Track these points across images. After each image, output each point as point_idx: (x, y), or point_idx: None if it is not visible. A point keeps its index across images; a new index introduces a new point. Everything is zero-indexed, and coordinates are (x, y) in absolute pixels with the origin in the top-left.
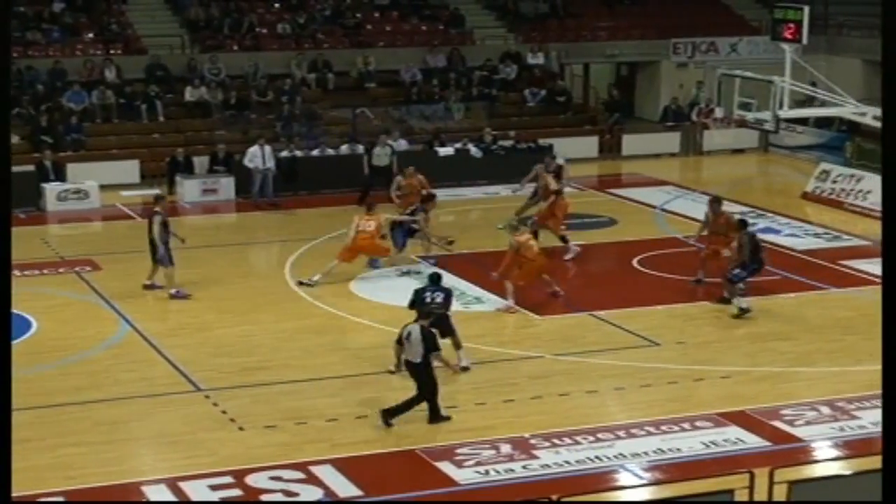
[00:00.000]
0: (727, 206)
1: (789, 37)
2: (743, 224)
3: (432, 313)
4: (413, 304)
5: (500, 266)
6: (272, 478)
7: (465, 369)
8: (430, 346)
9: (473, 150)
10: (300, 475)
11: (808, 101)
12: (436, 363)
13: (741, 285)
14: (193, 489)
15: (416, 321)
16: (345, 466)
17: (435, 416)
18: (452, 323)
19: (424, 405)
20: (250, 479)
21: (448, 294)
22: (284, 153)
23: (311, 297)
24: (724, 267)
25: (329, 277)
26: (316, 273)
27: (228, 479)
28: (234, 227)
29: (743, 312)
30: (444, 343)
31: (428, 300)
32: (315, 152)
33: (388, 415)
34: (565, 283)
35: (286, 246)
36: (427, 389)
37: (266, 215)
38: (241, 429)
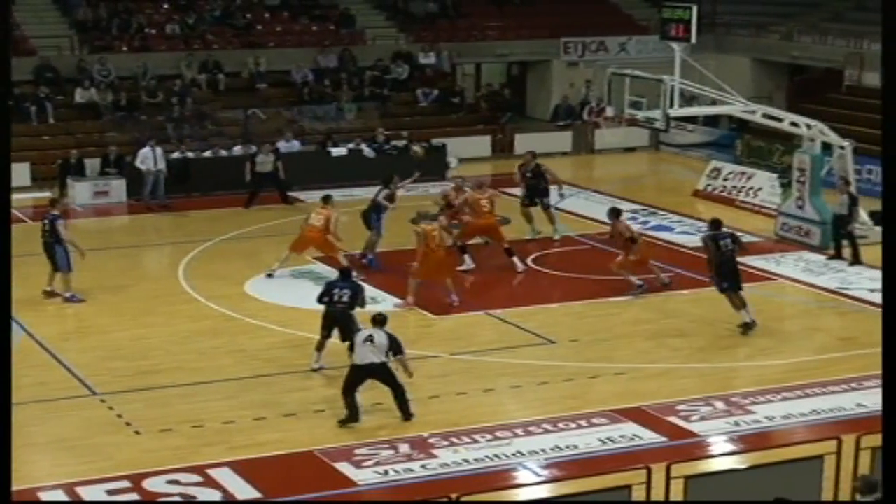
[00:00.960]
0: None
1: (678, 36)
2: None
3: (336, 310)
4: (321, 298)
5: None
6: (169, 482)
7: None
8: (397, 350)
9: (366, 151)
10: (198, 478)
11: (695, 100)
12: (397, 366)
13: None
14: (90, 494)
15: (374, 325)
16: (243, 469)
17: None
18: (357, 323)
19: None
20: (147, 484)
21: (355, 291)
22: (176, 154)
23: (205, 298)
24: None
25: (286, 264)
26: (275, 263)
27: (125, 484)
28: (126, 229)
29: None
30: (338, 342)
31: (336, 297)
32: (207, 153)
33: (407, 415)
34: (461, 283)
35: (179, 248)
36: (396, 379)
37: (158, 217)
38: (137, 433)
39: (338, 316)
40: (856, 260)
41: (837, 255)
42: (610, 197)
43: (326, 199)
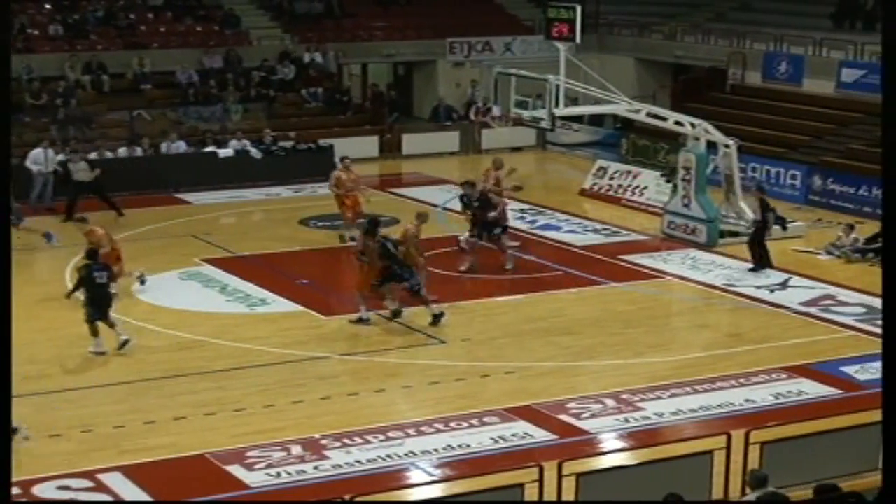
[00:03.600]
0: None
1: (563, 35)
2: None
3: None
4: (82, 283)
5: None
6: (60, 487)
7: (126, 343)
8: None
9: (253, 152)
10: (89, 483)
11: (581, 99)
12: None
13: None
14: None
15: None
16: (134, 473)
17: None
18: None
19: None
20: (37, 490)
21: (109, 270)
22: (60, 157)
23: None
24: None
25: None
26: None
27: (15, 490)
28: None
29: None
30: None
31: (97, 279)
32: (92, 155)
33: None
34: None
35: (64, 252)
36: None
37: (41, 220)
38: (25, 438)
39: (99, 294)
40: (765, 263)
41: (760, 262)
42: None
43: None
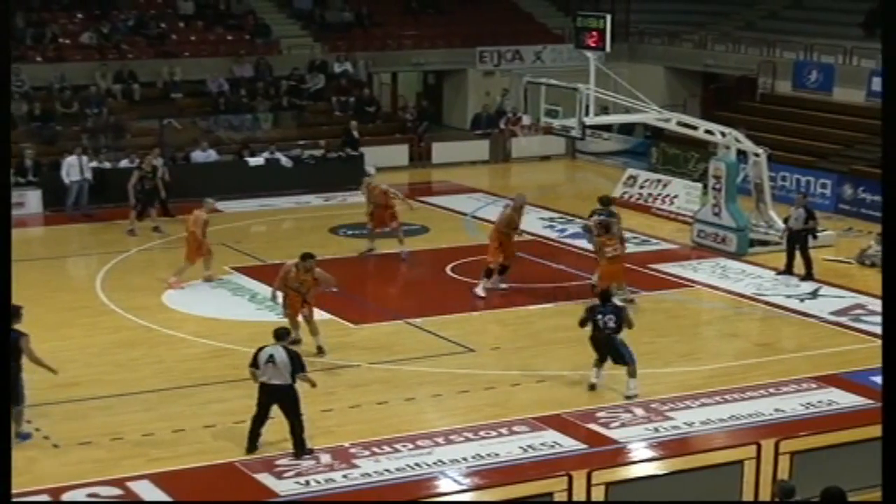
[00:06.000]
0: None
1: (592, 45)
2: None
3: None
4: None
5: None
6: (89, 495)
7: None
8: (298, 368)
9: (283, 160)
10: (118, 491)
11: (611, 108)
12: (302, 383)
13: None
14: None
15: (276, 341)
16: (162, 481)
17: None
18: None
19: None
20: (67, 497)
21: (618, 314)
22: (93, 164)
23: (122, 310)
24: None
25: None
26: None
27: (45, 498)
28: (42, 240)
29: None
30: None
31: (600, 322)
32: (123, 163)
33: (300, 450)
34: (380, 292)
35: (96, 259)
36: (298, 410)
37: (75, 228)
38: (55, 446)
39: (604, 341)
40: (808, 275)
41: (788, 271)
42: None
43: None
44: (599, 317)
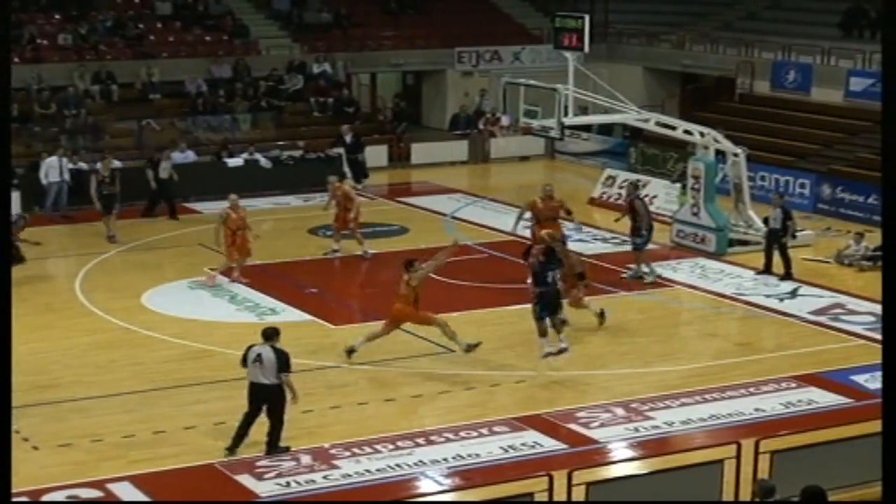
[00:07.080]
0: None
1: (571, 45)
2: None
3: None
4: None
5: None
6: (69, 497)
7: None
8: (283, 367)
9: (262, 161)
10: (98, 493)
11: (590, 109)
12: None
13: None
14: None
15: (264, 341)
16: (143, 483)
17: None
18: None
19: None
20: (47, 499)
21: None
22: (70, 166)
23: (102, 311)
24: None
25: None
26: None
27: (24, 500)
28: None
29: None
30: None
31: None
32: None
33: (272, 449)
34: (359, 293)
35: (75, 260)
36: (282, 412)
37: (53, 229)
38: (35, 448)
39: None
40: (787, 275)
41: (767, 270)
42: (505, 206)
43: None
44: (549, 273)
